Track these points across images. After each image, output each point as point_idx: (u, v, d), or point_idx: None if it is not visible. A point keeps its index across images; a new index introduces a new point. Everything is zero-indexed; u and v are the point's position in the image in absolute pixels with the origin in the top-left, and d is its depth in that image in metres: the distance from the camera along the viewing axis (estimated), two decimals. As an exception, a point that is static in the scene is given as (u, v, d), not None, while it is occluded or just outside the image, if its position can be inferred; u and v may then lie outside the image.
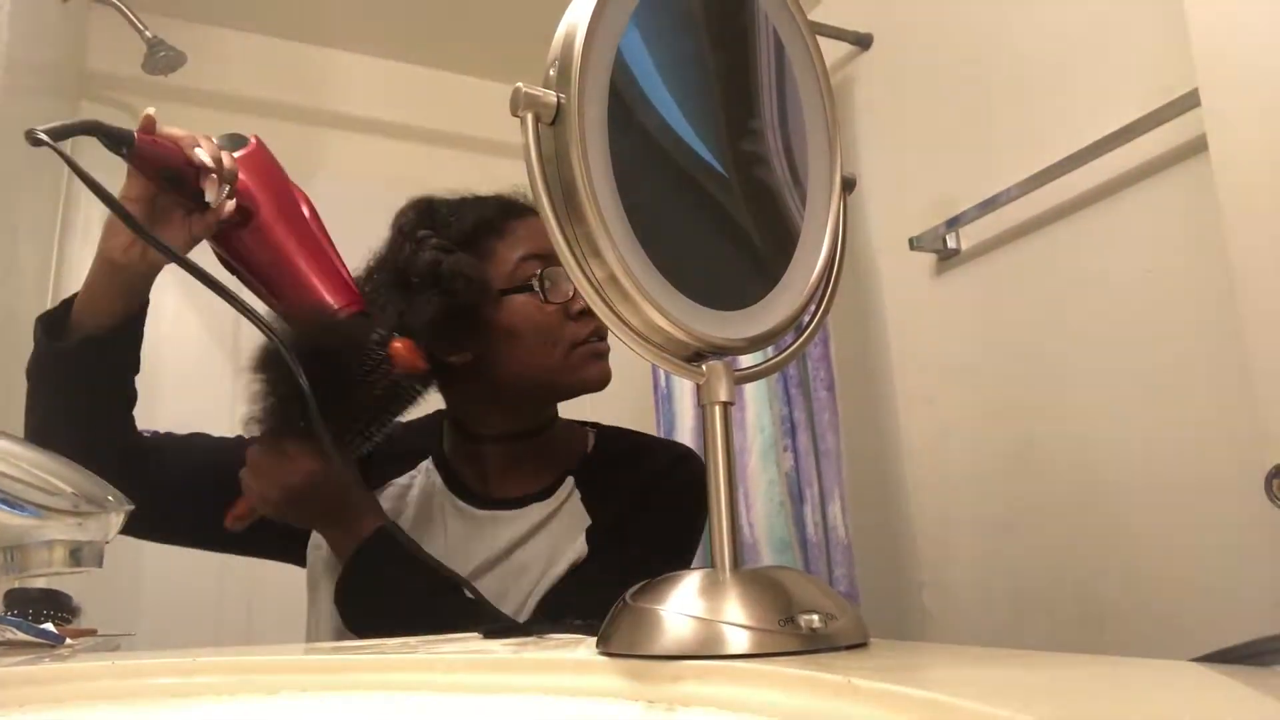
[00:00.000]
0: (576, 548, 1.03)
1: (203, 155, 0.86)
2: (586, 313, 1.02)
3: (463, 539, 1.04)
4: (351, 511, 0.96)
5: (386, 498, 1.06)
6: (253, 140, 0.99)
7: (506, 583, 1.01)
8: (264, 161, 0.99)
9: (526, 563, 1.02)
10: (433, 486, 1.08)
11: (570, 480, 1.07)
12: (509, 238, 1.05)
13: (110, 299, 0.89)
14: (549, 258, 1.03)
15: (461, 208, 1.08)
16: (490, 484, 1.08)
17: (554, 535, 1.04)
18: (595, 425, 1.16)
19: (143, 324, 0.93)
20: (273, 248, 0.96)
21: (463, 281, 0.99)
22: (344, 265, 1.01)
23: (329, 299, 0.97)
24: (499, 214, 1.07)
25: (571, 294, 1.03)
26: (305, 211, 1.00)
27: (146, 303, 0.92)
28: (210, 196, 0.87)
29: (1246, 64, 1.06)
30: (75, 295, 0.91)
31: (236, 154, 0.94)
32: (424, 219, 1.07)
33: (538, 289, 1.02)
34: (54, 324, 0.90)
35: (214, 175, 0.87)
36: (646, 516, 1.07)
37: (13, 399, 0.92)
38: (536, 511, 1.05)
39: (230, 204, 0.90)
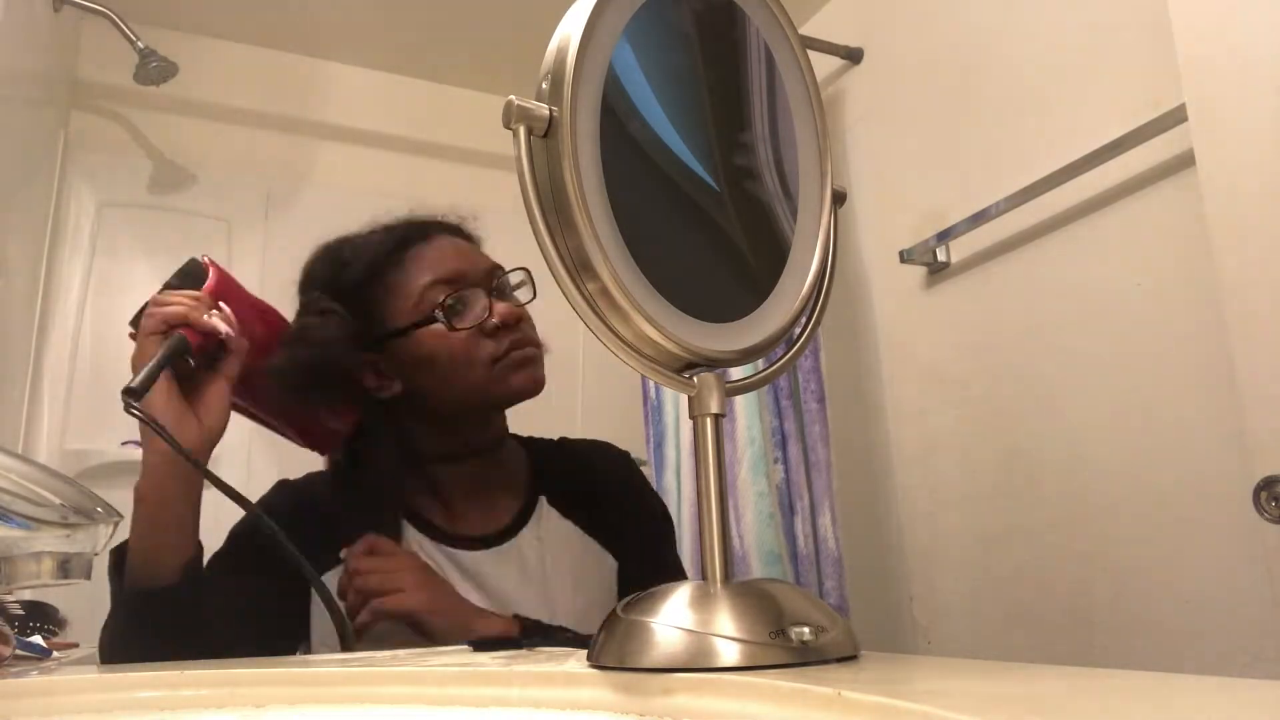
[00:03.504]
0: (601, 559, 1.08)
1: (217, 321, 0.89)
2: (503, 327, 1.03)
3: (476, 586, 1.03)
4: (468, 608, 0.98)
5: None
6: (208, 264, 0.98)
7: (541, 612, 1.02)
8: (228, 283, 0.98)
9: (552, 592, 1.04)
10: (415, 541, 1.05)
11: (543, 499, 1.10)
12: (411, 266, 1.05)
13: (159, 540, 0.86)
14: (454, 280, 1.04)
15: (364, 246, 1.08)
16: (461, 517, 1.07)
17: (559, 556, 1.06)
18: (514, 436, 1.16)
19: (201, 576, 0.90)
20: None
21: (327, 336, 1.01)
22: None
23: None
24: (397, 245, 1.07)
25: (484, 314, 1.03)
26: (276, 319, 1.03)
27: (201, 549, 0.90)
28: (224, 330, 0.89)
29: (1233, 79, 1.07)
30: (123, 546, 0.88)
31: (204, 287, 0.95)
32: (326, 267, 1.08)
33: (441, 318, 1.02)
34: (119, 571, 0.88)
35: (221, 320, 0.90)
36: (638, 510, 1.15)
37: (3, 406, 0.91)
38: (529, 538, 1.06)
39: (239, 340, 0.92)
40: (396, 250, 1.06)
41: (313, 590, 0.97)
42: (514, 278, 1.09)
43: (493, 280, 1.06)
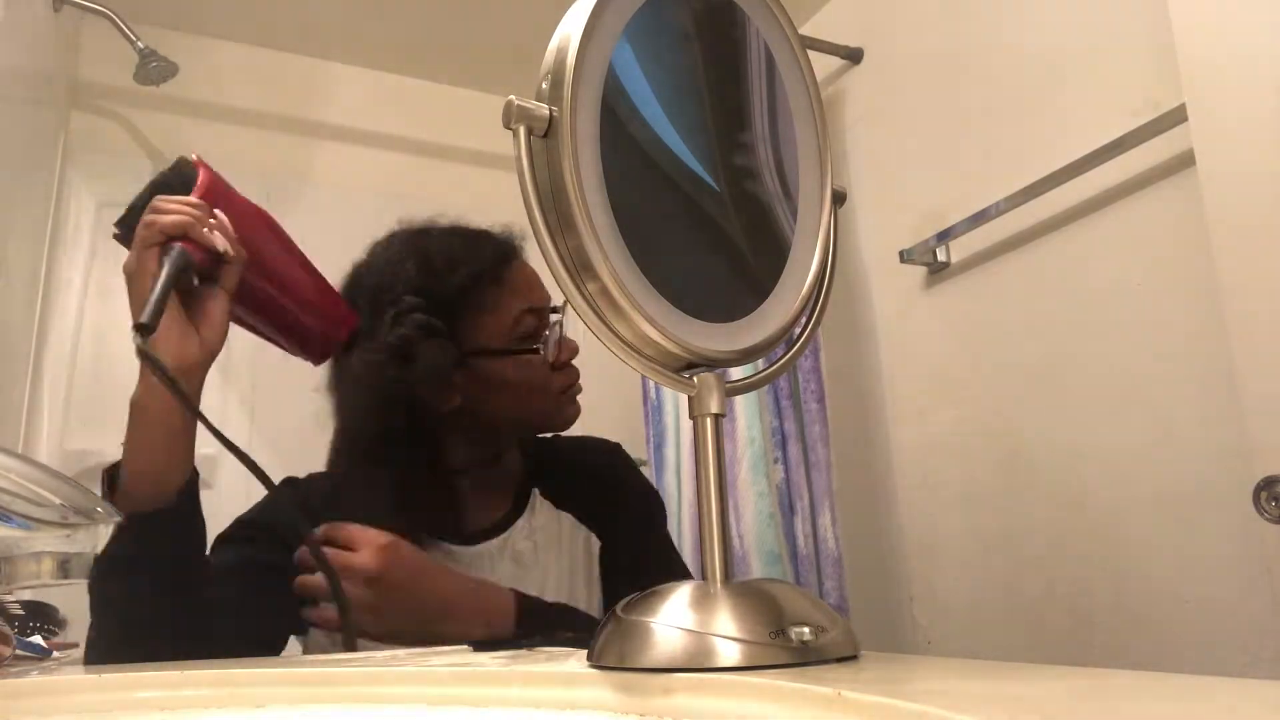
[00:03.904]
0: (589, 545, 1.10)
1: (217, 236, 0.84)
2: (569, 360, 1.08)
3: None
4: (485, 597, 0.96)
5: None
6: (198, 163, 0.92)
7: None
8: (221, 186, 0.93)
9: (547, 582, 1.06)
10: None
11: (536, 492, 1.12)
12: (507, 287, 1.06)
13: (157, 456, 0.82)
14: (543, 310, 1.07)
15: (456, 257, 1.06)
16: (462, 516, 1.07)
17: (552, 546, 1.08)
18: None
19: (198, 501, 0.86)
20: (270, 274, 0.93)
21: (431, 367, 1.00)
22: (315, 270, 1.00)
23: (340, 316, 0.98)
24: (495, 262, 1.07)
25: (557, 349, 1.06)
26: (267, 224, 0.98)
27: (197, 473, 0.86)
28: (224, 246, 0.85)
29: (1233, 79, 1.07)
30: (115, 468, 0.83)
31: (195, 189, 0.89)
32: (419, 269, 1.05)
33: (544, 350, 1.05)
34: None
35: (220, 234, 0.85)
36: (627, 497, 1.17)
37: (3, 406, 0.91)
38: (521, 530, 1.08)
39: (239, 250, 0.87)
40: (495, 267, 1.07)
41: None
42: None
43: (560, 313, 1.09)
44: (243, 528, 1.01)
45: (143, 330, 0.76)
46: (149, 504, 0.81)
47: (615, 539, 1.12)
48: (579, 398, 1.11)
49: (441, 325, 1.02)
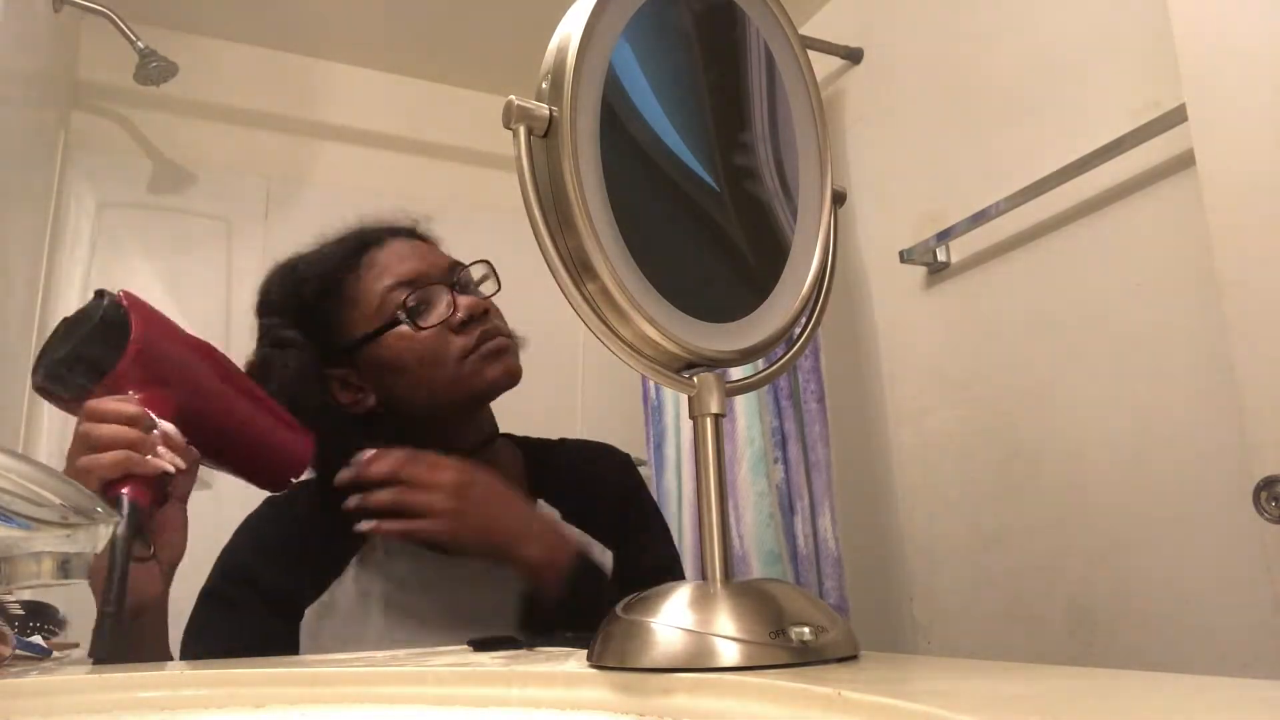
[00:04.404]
0: (602, 556, 1.06)
1: (163, 459, 0.76)
2: (469, 321, 1.01)
3: (472, 592, 1.00)
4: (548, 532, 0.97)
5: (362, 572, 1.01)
6: (127, 303, 0.79)
7: None
8: (157, 330, 0.81)
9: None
10: (402, 549, 1.01)
11: (540, 501, 1.07)
12: (368, 273, 1.03)
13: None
14: (414, 280, 1.01)
15: (310, 265, 1.05)
16: None
17: None
18: (507, 436, 1.14)
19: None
20: (217, 413, 0.86)
21: (290, 373, 0.97)
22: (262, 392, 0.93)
23: (291, 450, 0.93)
24: (350, 254, 1.04)
25: (449, 310, 1.00)
26: (203, 360, 0.87)
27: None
28: (171, 465, 0.76)
29: (1233, 79, 1.07)
30: None
31: (128, 348, 0.78)
32: (281, 287, 1.05)
33: (405, 319, 0.99)
34: None
35: (167, 450, 0.77)
36: (639, 515, 1.14)
37: (3, 406, 0.90)
38: None
39: (190, 453, 0.80)
40: (350, 258, 1.04)
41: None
42: (476, 271, 1.06)
43: (454, 276, 1.04)
44: (226, 582, 0.99)
45: (112, 616, 0.70)
46: None
47: (630, 555, 1.08)
48: (523, 357, 1.05)
49: (295, 335, 1.00)
